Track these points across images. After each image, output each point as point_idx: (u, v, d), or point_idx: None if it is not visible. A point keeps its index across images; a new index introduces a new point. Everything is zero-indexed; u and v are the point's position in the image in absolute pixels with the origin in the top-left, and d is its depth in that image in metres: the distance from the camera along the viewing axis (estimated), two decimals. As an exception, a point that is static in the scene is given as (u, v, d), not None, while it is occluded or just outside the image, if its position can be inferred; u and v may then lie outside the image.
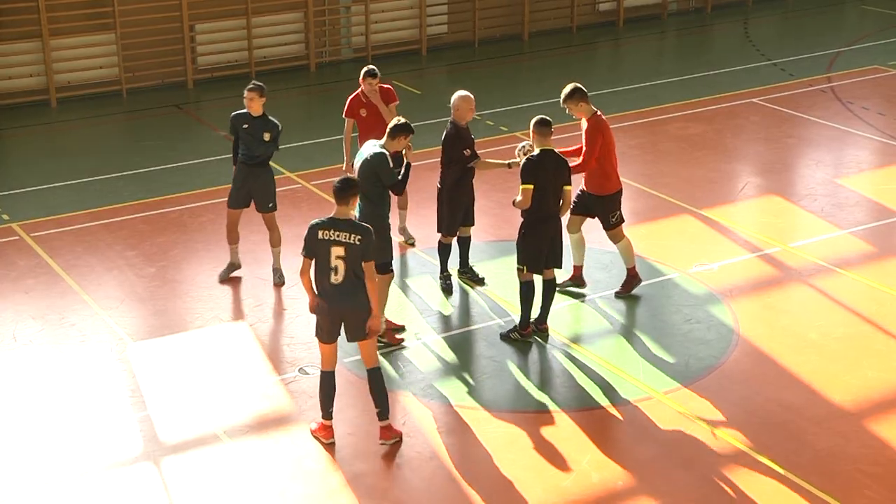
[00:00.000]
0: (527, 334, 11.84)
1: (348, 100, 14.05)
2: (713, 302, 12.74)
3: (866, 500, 9.51)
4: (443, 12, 22.23)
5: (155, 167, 16.37)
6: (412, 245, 14.45)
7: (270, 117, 12.85)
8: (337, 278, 9.55)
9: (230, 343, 11.97)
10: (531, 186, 11.26)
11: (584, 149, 12.39)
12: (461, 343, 11.99)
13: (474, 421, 10.69)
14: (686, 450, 10.18)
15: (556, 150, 11.62)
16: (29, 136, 16.76)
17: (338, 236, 9.47)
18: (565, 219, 12.00)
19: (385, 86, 14.09)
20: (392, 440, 10.10)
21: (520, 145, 11.92)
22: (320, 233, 9.52)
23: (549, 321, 12.07)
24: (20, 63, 18.94)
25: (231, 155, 13.21)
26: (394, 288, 13.06)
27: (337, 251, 9.49)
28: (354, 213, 10.22)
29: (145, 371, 11.51)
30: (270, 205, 13.11)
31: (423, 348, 11.85)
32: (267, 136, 12.74)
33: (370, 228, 9.68)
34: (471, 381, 11.40)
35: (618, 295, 12.81)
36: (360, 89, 13.95)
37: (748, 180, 16.08)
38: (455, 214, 12.61)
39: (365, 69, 13.84)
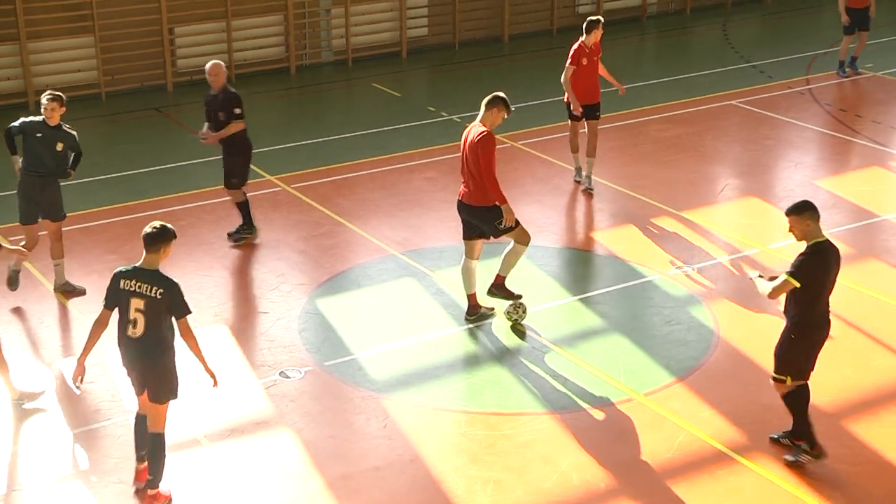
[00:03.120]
0: (793, 445, 9.97)
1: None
2: (693, 303, 12.80)
3: (843, 499, 9.59)
4: (423, 15, 22.28)
5: (135, 170, 16.36)
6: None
7: (66, 127, 12.47)
8: (135, 332, 8.72)
9: (210, 347, 11.95)
10: (798, 284, 9.26)
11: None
12: (442, 346, 12.00)
13: (455, 423, 10.72)
14: (666, 451, 10.22)
15: (832, 241, 9.64)
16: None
17: (139, 287, 8.66)
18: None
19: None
20: None
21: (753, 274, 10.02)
22: (122, 282, 8.74)
23: (533, 325, 12.14)
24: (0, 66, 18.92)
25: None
26: (377, 291, 13.10)
27: (136, 303, 8.67)
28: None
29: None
30: (62, 213, 12.72)
31: (404, 351, 11.87)
32: (60, 147, 12.32)
33: (176, 283, 8.77)
34: (451, 383, 11.43)
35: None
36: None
37: (727, 182, 16.15)
38: None
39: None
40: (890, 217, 14.86)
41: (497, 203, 11.70)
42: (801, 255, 9.39)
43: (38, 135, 12.24)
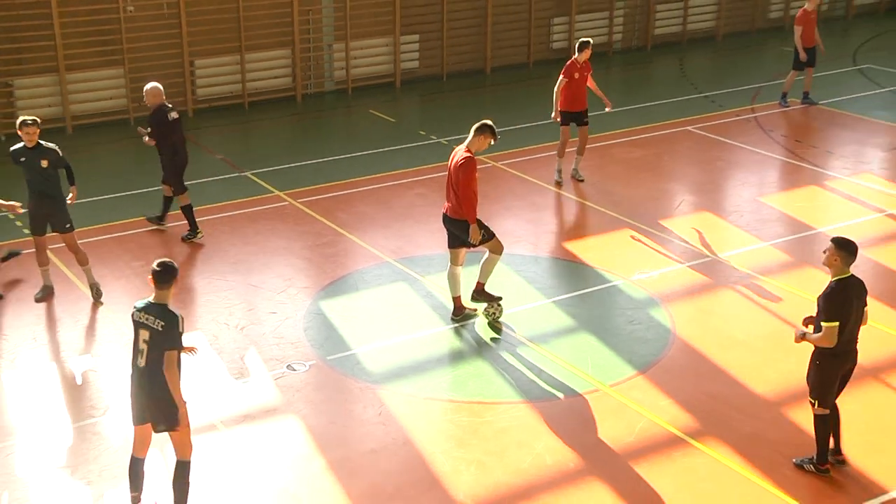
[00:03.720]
0: (824, 469, 9.59)
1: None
2: (652, 305, 12.84)
3: (783, 478, 9.62)
4: (415, 49, 22.29)
5: (158, 187, 16.30)
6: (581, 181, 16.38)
7: (44, 144, 12.21)
8: (141, 362, 8.42)
9: (226, 343, 11.97)
10: (836, 324, 8.93)
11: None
12: (430, 343, 12.02)
13: (442, 411, 10.74)
14: (628, 435, 10.26)
15: (857, 277, 9.27)
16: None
17: (146, 320, 8.34)
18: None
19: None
20: None
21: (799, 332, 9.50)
22: (135, 313, 8.48)
23: (522, 329, 12.17)
24: (40, 94, 18.89)
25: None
26: (374, 294, 13.12)
27: (143, 335, 8.36)
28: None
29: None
30: (67, 225, 12.43)
31: (397, 347, 11.88)
32: (45, 163, 12.09)
33: (177, 318, 8.34)
34: (439, 375, 11.45)
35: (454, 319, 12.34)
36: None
37: (683, 198, 16.20)
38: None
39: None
40: (825, 230, 14.89)
41: (472, 217, 11.72)
42: (825, 294, 9.04)
43: (23, 159, 12.12)
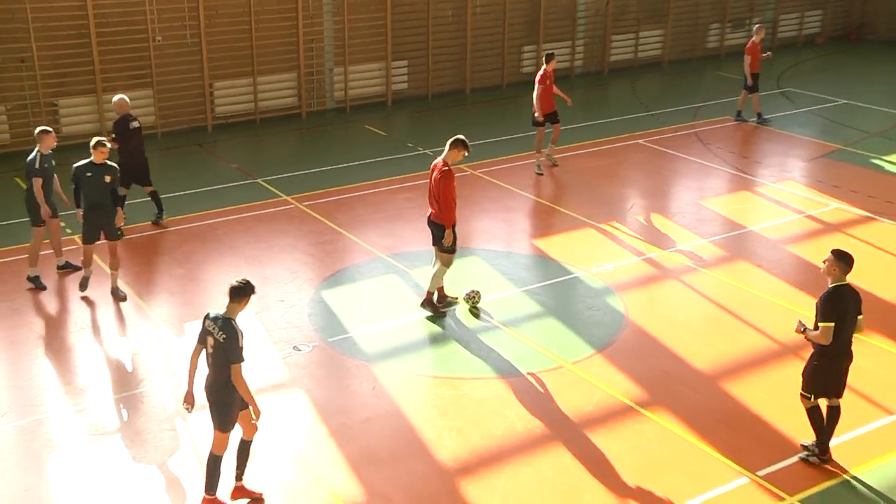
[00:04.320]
0: (826, 458, 9.30)
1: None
2: (608, 294, 12.85)
3: (720, 441, 9.67)
4: (404, 73, 22.27)
5: (183, 192, 16.29)
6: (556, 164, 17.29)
7: (109, 162, 12.03)
8: (209, 367, 8.27)
9: (241, 327, 11.91)
10: (832, 324, 8.75)
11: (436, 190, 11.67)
12: (418, 327, 12.01)
13: (427, 385, 10.75)
14: (587, 405, 10.29)
15: (852, 287, 9.01)
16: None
17: (213, 329, 8.12)
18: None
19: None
20: (236, 500, 8.71)
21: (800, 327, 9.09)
22: (206, 322, 8.24)
23: (493, 315, 12.18)
24: (80, 112, 18.77)
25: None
26: (368, 284, 13.10)
27: (210, 342, 8.17)
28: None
29: (176, 347, 11.47)
30: (119, 233, 12.41)
31: (389, 330, 11.87)
32: (108, 179, 11.93)
33: (237, 333, 8.04)
34: (425, 355, 11.46)
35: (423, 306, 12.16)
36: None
37: (635, 202, 16.22)
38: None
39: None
40: (754, 229, 14.97)
41: (449, 222, 11.72)
42: (823, 298, 8.83)
43: (89, 174, 11.90)
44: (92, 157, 11.88)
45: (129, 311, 12.14)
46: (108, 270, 12.52)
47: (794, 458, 9.43)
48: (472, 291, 12.34)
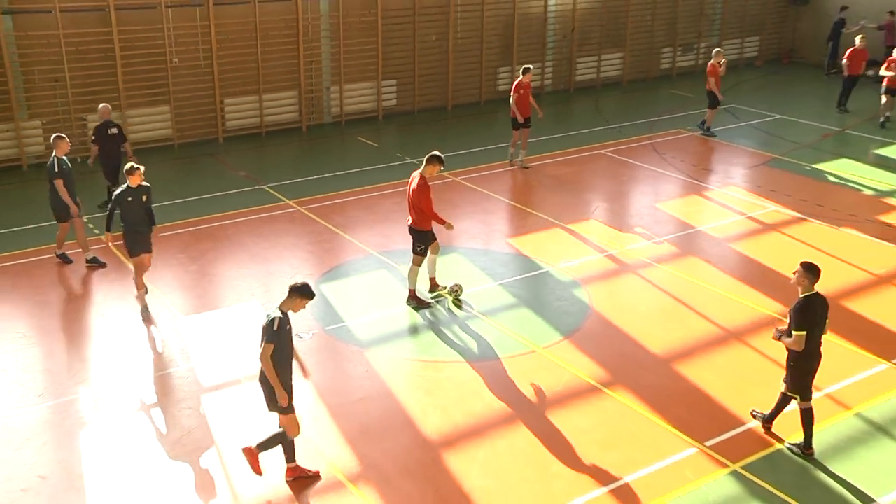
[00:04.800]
0: (810, 454, 9.06)
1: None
2: (575, 286, 12.86)
3: (674, 417, 9.70)
4: (393, 91, 22.21)
5: (196, 196, 16.21)
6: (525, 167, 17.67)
7: (144, 183, 11.57)
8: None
9: (248, 317, 11.89)
10: (804, 332, 8.58)
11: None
12: (406, 316, 11.99)
13: (414, 368, 10.73)
14: (556, 385, 10.30)
15: (821, 294, 8.78)
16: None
17: (265, 319, 8.07)
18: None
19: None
20: (293, 478, 8.59)
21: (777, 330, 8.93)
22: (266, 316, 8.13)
23: (456, 295, 12.16)
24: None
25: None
26: (362, 278, 13.07)
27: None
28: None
29: (191, 335, 11.41)
30: (152, 249, 11.84)
31: (380, 319, 11.84)
32: (145, 198, 11.51)
33: (274, 319, 7.92)
34: (412, 341, 11.44)
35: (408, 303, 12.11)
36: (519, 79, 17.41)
37: (598, 205, 16.24)
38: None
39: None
40: (703, 228, 15.01)
41: (431, 225, 11.74)
42: (794, 308, 8.64)
43: (129, 199, 11.39)
44: (128, 182, 11.42)
45: (150, 302, 12.05)
46: (131, 267, 12.31)
47: (737, 431, 9.48)
48: (455, 285, 12.35)
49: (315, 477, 8.65)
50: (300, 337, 11.25)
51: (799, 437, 9.16)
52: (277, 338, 7.96)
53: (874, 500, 8.50)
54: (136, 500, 8.46)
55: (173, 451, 9.14)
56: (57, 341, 11.29)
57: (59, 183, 12.61)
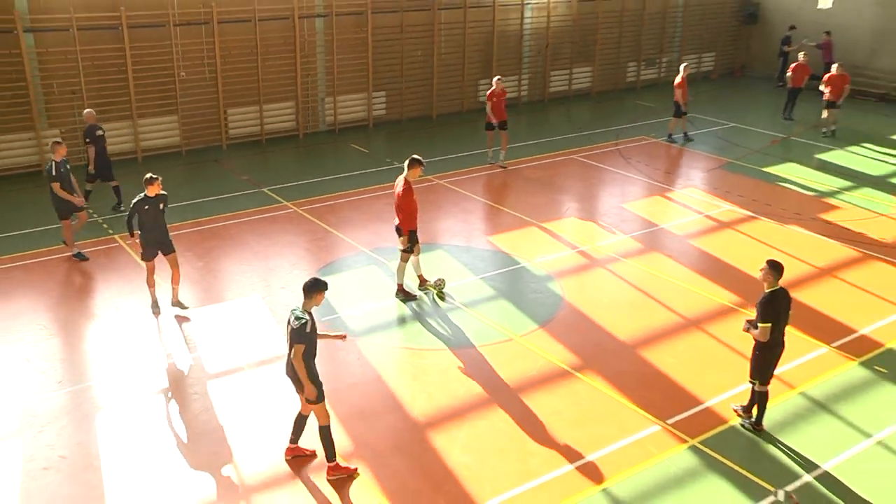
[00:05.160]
0: (760, 430, 9.12)
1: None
2: (549, 280, 12.89)
3: (639, 397, 9.74)
4: (382, 101, 22.16)
5: (203, 199, 16.12)
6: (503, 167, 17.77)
7: (161, 192, 11.26)
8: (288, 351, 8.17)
9: (250, 310, 11.85)
10: (769, 325, 8.60)
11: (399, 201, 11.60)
12: (394, 307, 11.97)
13: (402, 355, 10.72)
14: (532, 370, 10.31)
15: (784, 288, 8.75)
16: (124, 180, 16.38)
17: (290, 319, 8.05)
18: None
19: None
20: (335, 476, 8.36)
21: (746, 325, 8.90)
22: (290, 315, 8.10)
23: (441, 289, 12.15)
24: (120, 135, 18.44)
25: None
26: (354, 273, 13.04)
27: (287, 330, 8.11)
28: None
29: (197, 327, 11.35)
30: (173, 248, 11.49)
31: (372, 310, 11.82)
32: (161, 206, 11.22)
33: (305, 321, 7.89)
34: (401, 330, 11.42)
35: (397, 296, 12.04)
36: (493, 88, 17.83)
37: (570, 205, 16.27)
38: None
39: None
40: (665, 226, 15.08)
41: (406, 230, 11.70)
42: (760, 302, 8.63)
43: (146, 207, 11.10)
44: (146, 192, 11.13)
45: (160, 296, 11.99)
46: (171, 285, 11.73)
47: (695, 409, 9.53)
48: (439, 279, 12.35)
49: (311, 456, 8.64)
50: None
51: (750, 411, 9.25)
52: (308, 339, 7.99)
53: (818, 466, 8.60)
54: (148, 478, 8.42)
55: (182, 433, 9.10)
56: (74, 332, 11.21)
57: (55, 186, 12.66)
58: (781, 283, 8.78)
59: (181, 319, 11.45)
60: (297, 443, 8.64)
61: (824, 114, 20.61)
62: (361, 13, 20.96)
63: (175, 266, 11.50)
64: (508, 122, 18.36)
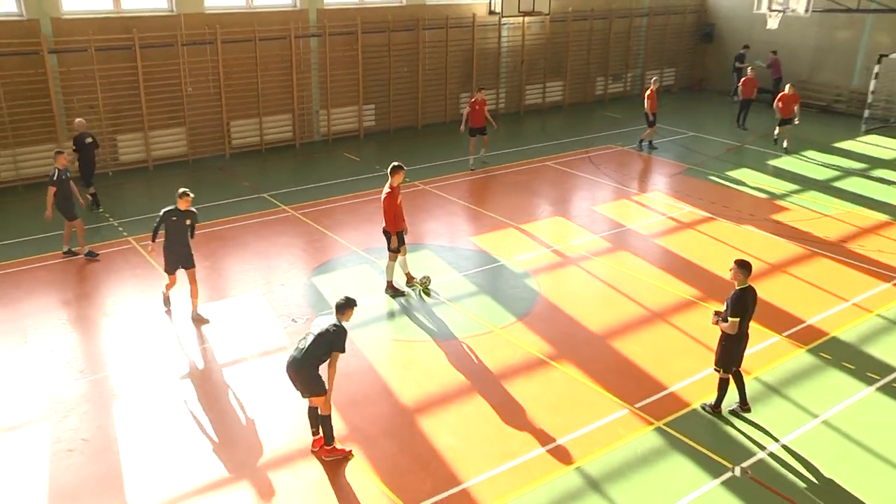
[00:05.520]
0: (716, 412, 9.16)
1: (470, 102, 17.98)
2: (526, 277, 12.89)
3: (609, 383, 9.75)
4: (372, 113, 22.10)
5: (207, 204, 16.01)
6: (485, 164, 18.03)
7: (191, 209, 10.95)
8: (300, 352, 8.01)
9: (252, 305, 11.78)
10: (738, 319, 8.58)
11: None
12: (385, 303, 11.94)
13: (393, 347, 10.69)
14: (511, 359, 10.32)
15: (752, 286, 8.67)
16: (137, 186, 16.27)
17: (317, 326, 8.14)
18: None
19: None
20: (331, 457, 8.35)
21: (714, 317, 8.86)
22: (313, 322, 8.25)
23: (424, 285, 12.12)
24: (133, 145, 18.30)
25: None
26: (347, 272, 13.00)
27: (309, 337, 8.08)
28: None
29: (206, 324, 11.26)
30: (193, 263, 11.08)
31: (364, 306, 11.76)
32: (188, 222, 10.90)
33: (344, 332, 8.03)
34: (391, 324, 11.38)
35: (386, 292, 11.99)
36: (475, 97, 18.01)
37: (545, 207, 16.29)
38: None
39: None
40: (631, 227, 15.12)
41: (393, 231, 11.69)
42: (731, 298, 8.61)
43: (174, 219, 10.78)
44: (177, 204, 10.81)
45: (171, 293, 11.89)
46: (190, 299, 11.40)
47: (661, 394, 9.56)
48: (424, 277, 12.32)
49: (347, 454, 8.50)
50: (295, 321, 11.18)
51: (711, 399, 9.29)
52: (344, 348, 8.04)
53: (771, 444, 8.66)
54: (162, 458, 8.37)
55: (192, 417, 9.04)
56: (94, 326, 11.10)
57: (50, 190, 12.74)
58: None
59: (198, 321, 11.22)
60: (319, 433, 8.47)
61: (776, 130, 20.62)
62: (352, 33, 20.89)
63: (193, 281, 11.13)
64: (489, 130, 18.42)
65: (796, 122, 20.04)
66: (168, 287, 11.41)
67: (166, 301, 11.55)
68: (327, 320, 8.12)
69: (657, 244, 14.35)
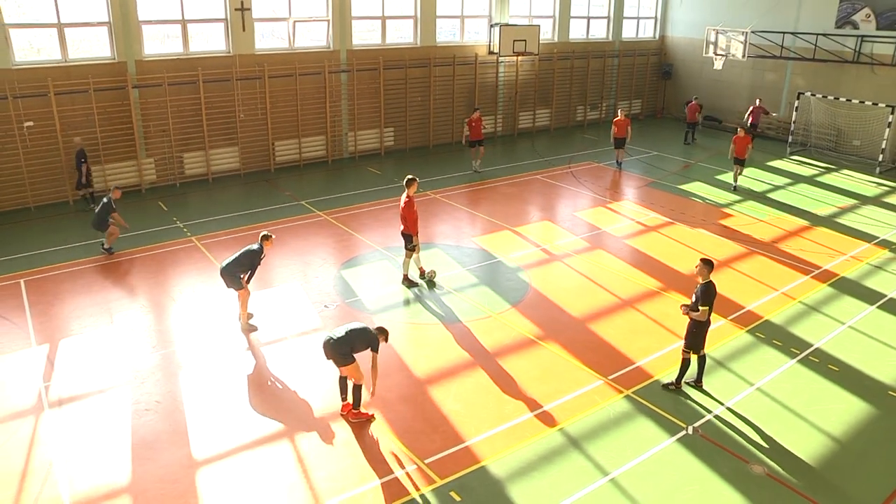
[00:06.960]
0: (678, 388, 9.00)
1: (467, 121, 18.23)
2: (519, 271, 12.85)
3: (586, 358, 9.74)
4: (391, 134, 22.09)
5: (256, 209, 16.03)
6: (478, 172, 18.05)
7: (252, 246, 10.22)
8: (337, 337, 8.04)
9: (291, 293, 11.79)
10: (707, 308, 8.45)
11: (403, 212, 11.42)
12: (401, 292, 11.93)
13: (407, 328, 10.67)
14: (505, 340, 10.30)
15: (713, 281, 8.60)
16: (200, 195, 16.28)
17: (367, 328, 8.21)
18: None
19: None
20: (357, 419, 8.32)
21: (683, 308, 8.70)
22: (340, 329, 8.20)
23: (421, 280, 12.07)
24: (195, 161, 18.35)
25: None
26: (370, 267, 12.99)
27: (345, 328, 8.14)
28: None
29: (253, 306, 11.24)
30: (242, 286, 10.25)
31: (384, 295, 11.77)
32: (262, 257, 10.13)
33: (378, 339, 8.13)
34: (405, 309, 11.37)
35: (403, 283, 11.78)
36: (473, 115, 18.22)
37: (536, 214, 16.25)
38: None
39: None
40: (607, 230, 15.06)
41: (415, 234, 11.66)
42: (700, 291, 8.48)
43: (262, 256, 10.11)
44: (264, 245, 10.12)
45: (216, 297, 11.93)
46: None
47: (629, 368, 9.54)
48: (431, 270, 12.32)
49: (349, 408, 8.49)
50: (327, 307, 11.20)
51: (672, 377, 9.27)
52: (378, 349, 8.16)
53: (717, 408, 8.63)
54: (219, 418, 8.40)
55: (243, 384, 9.07)
56: (164, 310, 11.15)
57: (115, 215, 12.99)
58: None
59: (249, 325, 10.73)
60: (347, 399, 8.48)
61: (735, 169, 18.57)
62: (375, 69, 20.92)
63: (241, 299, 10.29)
64: (487, 148, 18.43)
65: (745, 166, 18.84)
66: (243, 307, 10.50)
67: (247, 322, 10.43)
68: (362, 325, 8.21)
69: (627, 244, 14.31)
